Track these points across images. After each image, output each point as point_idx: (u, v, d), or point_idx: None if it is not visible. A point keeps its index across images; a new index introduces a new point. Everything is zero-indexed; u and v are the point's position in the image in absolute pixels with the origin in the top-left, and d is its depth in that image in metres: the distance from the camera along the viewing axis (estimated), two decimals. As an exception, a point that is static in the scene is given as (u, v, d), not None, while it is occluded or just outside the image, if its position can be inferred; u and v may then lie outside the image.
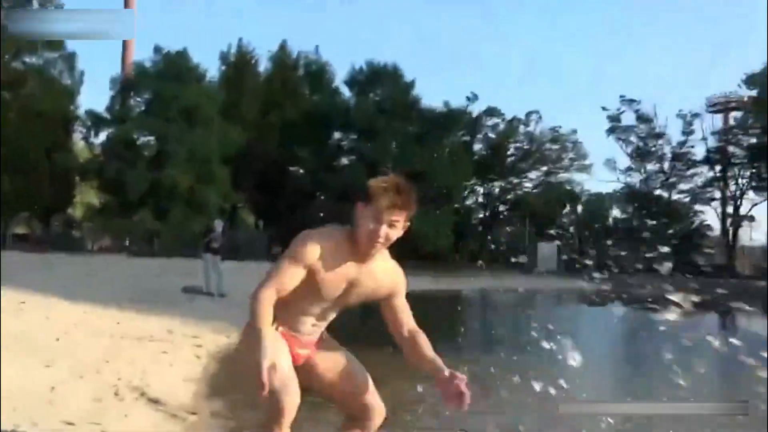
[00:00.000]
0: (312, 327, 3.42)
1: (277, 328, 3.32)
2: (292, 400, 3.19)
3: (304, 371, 3.39)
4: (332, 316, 3.47)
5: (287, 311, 3.32)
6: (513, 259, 66.32)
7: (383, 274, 3.38)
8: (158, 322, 10.40)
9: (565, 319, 23.72)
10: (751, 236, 73.64)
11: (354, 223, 3.23)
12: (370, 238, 3.18)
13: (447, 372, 3.17)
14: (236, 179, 45.95)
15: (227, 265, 18.51)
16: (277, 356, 3.14)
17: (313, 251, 3.19)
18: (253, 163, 50.57)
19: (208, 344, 9.04)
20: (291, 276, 3.19)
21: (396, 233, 3.21)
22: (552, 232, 77.47)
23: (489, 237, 72.14)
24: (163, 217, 40.76)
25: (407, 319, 3.43)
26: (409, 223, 3.23)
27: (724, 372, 11.58)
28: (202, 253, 17.77)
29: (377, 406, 3.49)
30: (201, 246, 18.23)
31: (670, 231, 71.43)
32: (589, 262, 69.04)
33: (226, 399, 5.93)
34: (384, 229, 3.16)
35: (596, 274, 58.68)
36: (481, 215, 71.54)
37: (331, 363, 3.50)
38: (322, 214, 50.95)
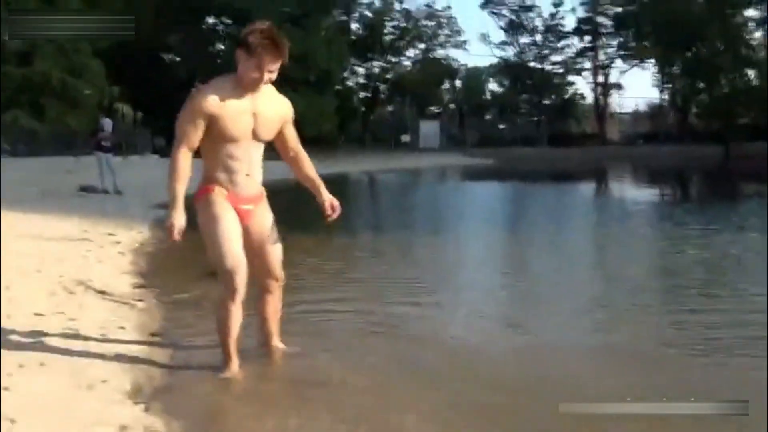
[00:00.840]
0: (246, 177, 3.92)
1: (218, 192, 3.88)
2: (242, 279, 3.86)
3: (245, 228, 3.97)
4: (258, 157, 3.97)
5: (219, 167, 3.87)
6: (401, 139, 67.58)
7: (277, 101, 4.00)
8: (69, 223, 10.73)
9: (446, 194, 24.98)
10: (620, 104, 77.12)
11: (237, 66, 3.76)
12: (253, 84, 3.74)
13: (324, 195, 4.16)
14: (111, 72, 44.54)
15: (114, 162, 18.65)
16: (231, 236, 3.84)
17: (204, 99, 3.73)
18: (126, 53, 48.98)
19: (125, 240, 9.50)
20: (194, 128, 3.75)
21: (274, 76, 3.79)
22: (433, 109, 78.86)
23: (371, 117, 72.80)
24: (38, 115, 39.39)
25: (294, 144, 4.15)
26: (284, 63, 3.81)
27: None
28: (95, 152, 17.84)
29: (280, 273, 4.19)
30: (92, 145, 18.33)
31: (545, 102, 73.95)
32: (469, 137, 71.08)
33: (161, 288, 6.53)
34: (265, 77, 3.73)
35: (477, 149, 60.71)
36: (362, 96, 71.92)
37: (261, 224, 4.06)
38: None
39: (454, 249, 10.57)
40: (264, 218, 4.08)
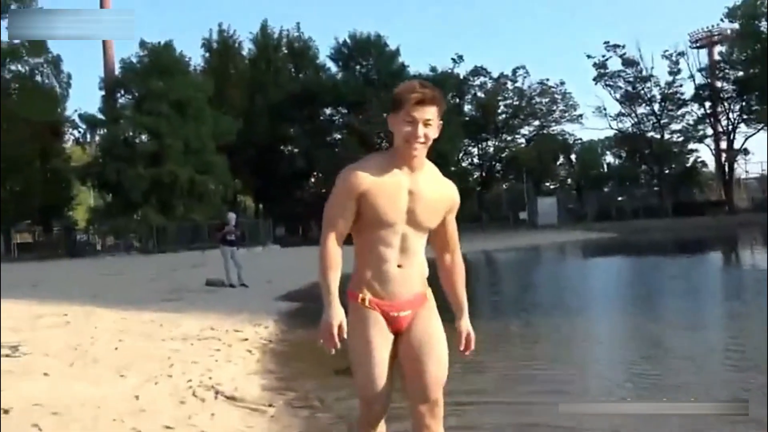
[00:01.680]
0: (399, 270, 3.19)
1: (363, 300, 3.17)
2: (383, 408, 3.22)
3: (401, 337, 3.23)
4: (415, 247, 3.22)
5: (369, 259, 3.19)
6: (520, 216, 66.87)
7: (440, 182, 3.26)
8: (197, 320, 10.76)
9: (570, 271, 24.19)
10: (746, 169, 74.07)
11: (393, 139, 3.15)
12: (408, 141, 3.08)
13: (462, 323, 3.31)
14: (233, 166, 46.23)
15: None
16: (377, 368, 3.14)
17: (354, 175, 3.11)
18: (246, 148, 50.83)
19: (252, 337, 9.40)
20: (342, 211, 3.13)
21: (432, 132, 3.11)
22: (549, 185, 77.93)
23: (487, 196, 72.52)
24: (167, 212, 41.10)
25: (454, 244, 3.37)
26: (442, 123, 3.15)
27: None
28: (221, 246, 18.14)
29: (434, 396, 3.22)
30: (218, 240, 18.68)
31: (666, 172, 71.86)
32: (589, 211, 69.62)
33: (292, 390, 6.30)
34: (420, 128, 3.06)
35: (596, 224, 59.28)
36: (477, 175, 71.85)
37: (421, 332, 3.23)
38: (324, 190, 51.50)
39: (591, 329, 9.98)
40: (426, 326, 3.25)
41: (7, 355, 7.00)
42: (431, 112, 3.09)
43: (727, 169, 69.21)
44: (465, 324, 3.36)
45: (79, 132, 49.04)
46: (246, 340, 9.09)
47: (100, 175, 42.16)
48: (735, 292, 14.64)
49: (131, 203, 41.14)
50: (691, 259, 25.97)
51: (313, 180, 57.60)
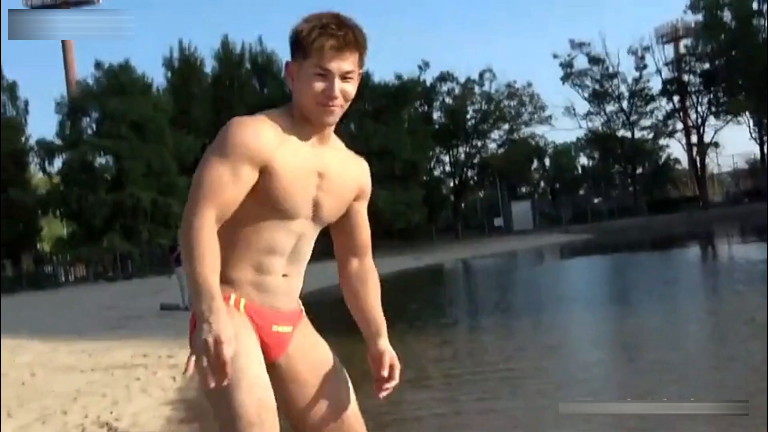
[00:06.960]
0: (284, 280, 2.24)
1: (238, 303, 2.17)
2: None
3: (280, 367, 2.28)
4: (306, 249, 2.28)
5: (245, 257, 2.19)
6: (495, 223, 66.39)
7: (351, 160, 2.35)
8: (134, 347, 10.04)
9: (546, 274, 23.67)
10: (718, 162, 74.10)
11: (292, 95, 2.19)
12: (320, 102, 2.13)
13: (382, 345, 2.35)
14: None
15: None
16: (261, 375, 2.13)
17: (260, 136, 2.10)
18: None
19: (182, 361, 8.67)
20: (237, 180, 2.08)
21: (352, 87, 2.18)
22: (523, 189, 77.50)
23: (462, 204, 71.94)
24: (132, 237, 40.15)
25: (364, 244, 2.41)
26: (361, 74, 2.24)
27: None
28: (175, 268, 17.40)
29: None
30: (171, 261, 17.94)
31: (639, 170, 71.71)
32: (564, 214, 69.25)
33: (201, 420, 5.61)
34: (337, 84, 2.13)
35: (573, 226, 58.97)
36: (450, 183, 71.21)
37: (313, 356, 2.33)
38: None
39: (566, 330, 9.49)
40: (315, 347, 2.36)
41: None
42: (352, 62, 2.17)
43: (699, 164, 69.08)
44: (385, 346, 2.37)
45: (43, 159, 47.98)
46: (175, 366, 8.36)
47: (62, 202, 41.21)
48: (712, 284, 14.39)
49: (95, 230, 40.14)
50: (667, 256, 25.62)
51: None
